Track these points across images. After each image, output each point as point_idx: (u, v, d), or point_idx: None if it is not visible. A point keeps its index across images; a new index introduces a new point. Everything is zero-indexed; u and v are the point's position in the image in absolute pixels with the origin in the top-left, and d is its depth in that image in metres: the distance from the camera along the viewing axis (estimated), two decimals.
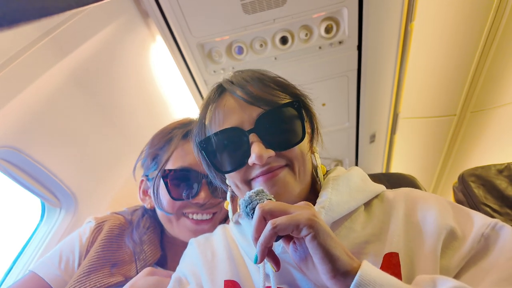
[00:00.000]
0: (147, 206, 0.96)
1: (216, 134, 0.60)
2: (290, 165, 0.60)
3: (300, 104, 0.61)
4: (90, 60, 1.19)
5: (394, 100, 1.93)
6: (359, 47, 1.53)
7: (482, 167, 1.07)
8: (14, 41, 0.95)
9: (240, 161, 0.59)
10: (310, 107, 0.68)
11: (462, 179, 1.07)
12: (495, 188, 1.01)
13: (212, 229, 0.88)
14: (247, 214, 0.53)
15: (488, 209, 0.98)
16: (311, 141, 0.67)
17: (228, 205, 0.70)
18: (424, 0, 1.50)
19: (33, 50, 0.99)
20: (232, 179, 0.63)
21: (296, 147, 0.60)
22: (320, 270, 0.44)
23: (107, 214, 0.98)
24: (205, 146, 0.62)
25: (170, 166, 0.87)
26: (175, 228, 0.90)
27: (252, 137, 0.58)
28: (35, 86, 1.01)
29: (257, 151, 0.56)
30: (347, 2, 1.35)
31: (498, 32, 1.59)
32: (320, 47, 1.53)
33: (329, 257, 0.43)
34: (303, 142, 0.60)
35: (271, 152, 0.57)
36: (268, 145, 0.58)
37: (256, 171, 0.59)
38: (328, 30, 1.46)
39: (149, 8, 1.34)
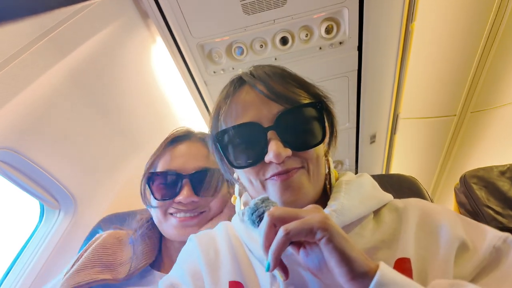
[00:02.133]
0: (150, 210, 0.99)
1: (234, 127, 0.59)
2: (305, 167, 0.59)
3: (322, 106, 0.60)
4: (90, 61, 1.18)
5: (394, 101, 1.93)
6: (360, 48, 1.52)
7: (484, 169, 1.06)
8: (13, 41, 0.94)
9: (256, 158, 0.58)
10: (332, 110, 0.66)
11: (464, 180, 1.06)
12: (498, 189, 1.00)
13: (197, 228, 0.88)
14: (253, 222, 0.52)
15: (490, 211, 0.97)
16: (329, 144, 0.66)
17: (236, 199, 0.69)
18: (425, 0, 1.50)
19: (32, 50, 0.98)
20: (246, 175, 0.62)
21: (313, 149, 0.59)
22: (337, 273, 0.42)
23: (110, 230, 1.00)
24: (221, 139, 0.61)
25: (156, 170, 0.91)
26: (164, 228, 0.91)
27: (271, 134, 0.57)
28: (34, 87, 1.00)
29: (275, 149, 0.55)
30: (347, 3, 1.34)
31: (498, 32, 1.59)
32: (320, 48, 1.52)
33: (346, 260, 0.42)
34: (320, 145, 0.60)
35: (289, 152, 0.56)
36: (286, 144, 0.56)
37: (272, 170, 0.57)
38: (328, 30, 1.45)
39: (148, 9, 1.33)
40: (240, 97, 0.61)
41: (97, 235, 0.95)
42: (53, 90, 1.07)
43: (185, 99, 1.73)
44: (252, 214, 0.51)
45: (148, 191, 0.91)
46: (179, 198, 0.86)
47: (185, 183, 0.86)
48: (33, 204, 1.17)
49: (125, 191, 1.39)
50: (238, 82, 0.64)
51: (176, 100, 1.69)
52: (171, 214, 0.89)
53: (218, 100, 0.66)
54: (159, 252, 0.95)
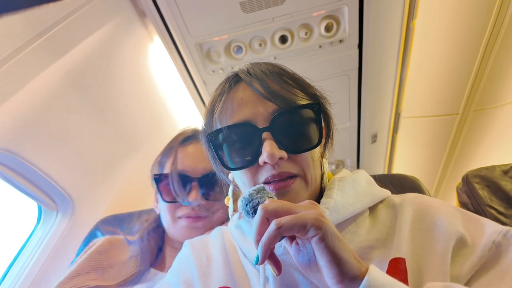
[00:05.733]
0: (157, 211, 1.00)
1: (228, 127, 0.57)
2: (301, 174, 0.57)
3: (320, 107, 0.58)
4: (86, 61, 1.17)
5: (395, 99, 1.91)
6: (360, 46, 1.50)
7: (487, 168, 1.04)
8: (8, 41, 0.94)
9: (250, 159, 0.56)
10: (329, 111, 0.65)
11: (466, 180, 1.04)
12: (501, 189, 0.98)
13: (204, 231, 0.89)
14: (247, 213, 0.50)
15: (493, 211, 0.95)
16: (325, 146, 0.65)
17: (229, 200, 0.67)
18: None
19: (28, 50, 0.98)
20: (241, 176, 0.60)
21: (309, 152, 0.57)
22: (326, 273, 0.41)
23: (107, 236, 1.01)
24: (214, 138, 0.60)
25: (166, 171, 0.90)
26: (173, 231, 0.92)
27: (266, 135, 0.55)
28: (30, 88, 0.99)
29: (268, 150, 0.53)
30: (347, 0, 1.32)
31: (501, 29, 1.56)
32: (320, 46, 1.50)
33: (337, 261, 0.40)
34: (317, 147, 0.58)
35: (283, 153, 0.54)
36: (281, 146, 0.55)
37: (266, 172, 0.56)
38: (328, 28, 1.44)
39: (146, 8, 1.32)
40: (235, 95, 0.60)
41: (94, 241, 0.96)
42: (49, 90, 1.06)
43: (183, 99, 1.72)
44: (247, 205, 0.49)
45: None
46: (187, 199, 0.86)
47: (194, 186, 0.87)
48: (31, 206, 1.17)
49: (123, 192, 1.38)
50: (234, 80, 0.63)
51: (174, 100, 1.68)
52: (179, 217, 0.90)
53: (213, 97, 0.64)
54: (160, 251, 0.96)
